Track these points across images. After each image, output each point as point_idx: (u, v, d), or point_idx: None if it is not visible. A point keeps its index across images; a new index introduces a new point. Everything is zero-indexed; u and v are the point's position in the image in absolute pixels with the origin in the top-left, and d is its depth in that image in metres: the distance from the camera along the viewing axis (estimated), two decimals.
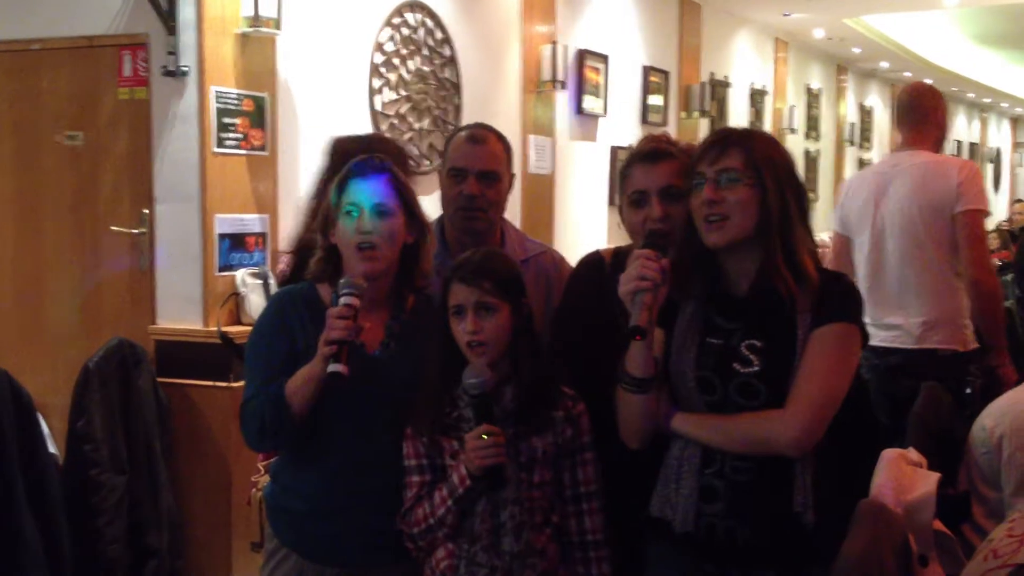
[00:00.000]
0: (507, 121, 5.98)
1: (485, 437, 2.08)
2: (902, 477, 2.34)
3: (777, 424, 2.00)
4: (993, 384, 3.67)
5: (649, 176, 2.35)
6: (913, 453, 2.48)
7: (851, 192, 4.09)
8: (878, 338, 3.79)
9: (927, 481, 2.36)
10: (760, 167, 2.03)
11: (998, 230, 10.79)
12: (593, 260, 2.63)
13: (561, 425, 2.23)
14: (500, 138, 2.85)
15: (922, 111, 3.98)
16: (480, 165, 2.75)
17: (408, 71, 5.26)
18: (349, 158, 2.39)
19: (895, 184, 3.87)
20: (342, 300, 2.17)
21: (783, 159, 2.09)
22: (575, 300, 2.59)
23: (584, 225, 7.03)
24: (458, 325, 2.21)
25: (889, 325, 3.85)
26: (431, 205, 2.95)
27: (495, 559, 2.17)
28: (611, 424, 2.22)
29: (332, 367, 2.12)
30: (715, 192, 2.03)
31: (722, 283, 2.13)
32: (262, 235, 4.32)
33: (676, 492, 2.10)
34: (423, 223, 2.42)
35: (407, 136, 5.24)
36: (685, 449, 2.11)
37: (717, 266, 2.12)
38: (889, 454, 2.38)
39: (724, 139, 2.09)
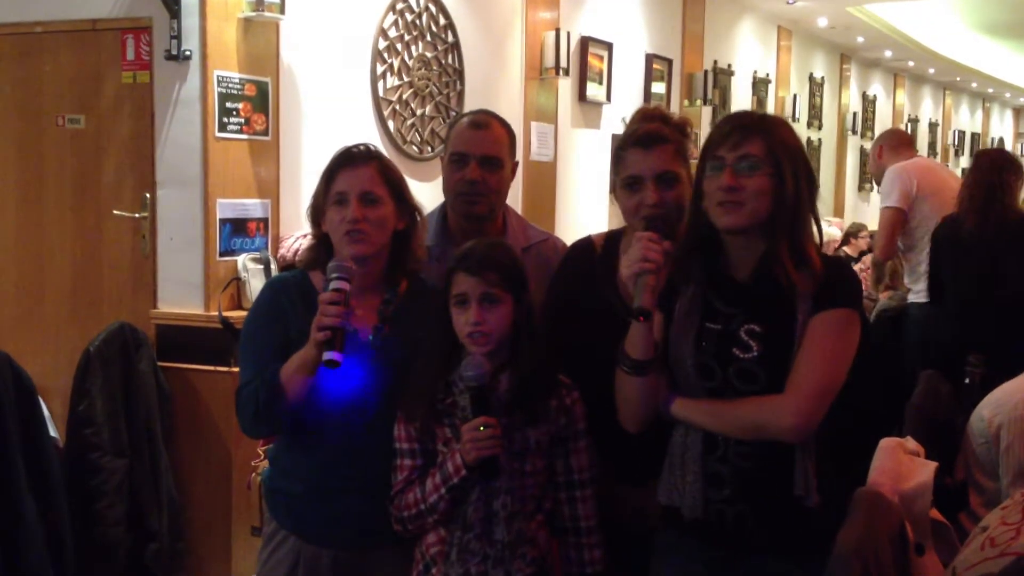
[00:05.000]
0: (509, 108, 5.98)
1: (482, 429, 2.09)
2: (899, 466, 2.36)
3: (776, 409, 2.00)
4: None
5: (644, 162, 2.35)
6: (911, 442, 2.49)
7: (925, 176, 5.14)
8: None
9: (924, 470, 2.37)
10: (779, 156, 2.02)
11: None
12: (584, 245, 2.62)
13: (555, 414, 2.23)
14: (503, 124, 2.84)
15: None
16: (482, 150, 2.74)
17: (411, 57, 5.24)
18: None
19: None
20: (331, 285, 2.18)
21: (799, 147, 2.08)
22: (564, 284, 2.59)
23: (586, 213, 7.02)
24: (460, 315, 2.20)
25: None
26: (432, 192, 2.95)
27: (487, 547, 2.17)
28: (600, 409, 2.23)
29: (327, 355, 2.13)
30: (735, 179, 2.02)
31: (723, 267, 2.12)
32: (263, 220, 4.32)
33: (682, 479, 2.10)
34: (414, 209, 2.42)
35: (409, 122, 5.23)
36: (687, 435, 2.11)
37: (719, 250, 2.12)
38: (887, 443, 2.39)
39: (745, 125, 2.06)
